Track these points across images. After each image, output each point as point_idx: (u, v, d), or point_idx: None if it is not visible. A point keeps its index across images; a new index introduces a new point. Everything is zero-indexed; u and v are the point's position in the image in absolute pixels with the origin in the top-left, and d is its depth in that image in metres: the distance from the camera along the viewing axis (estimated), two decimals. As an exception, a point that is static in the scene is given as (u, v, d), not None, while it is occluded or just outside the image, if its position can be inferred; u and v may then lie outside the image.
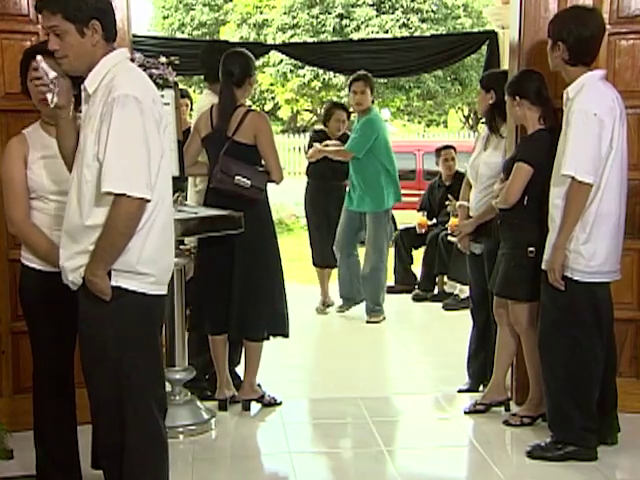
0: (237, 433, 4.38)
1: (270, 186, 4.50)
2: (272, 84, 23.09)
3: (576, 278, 3.83)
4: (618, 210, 3.85)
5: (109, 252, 2.71)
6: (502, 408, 4.57)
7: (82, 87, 2.80)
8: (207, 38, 23.80)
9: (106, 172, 2.64)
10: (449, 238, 7.32)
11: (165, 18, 27.25)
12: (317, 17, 22.22)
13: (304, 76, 21.61)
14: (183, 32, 26.45)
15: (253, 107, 4.87)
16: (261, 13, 23.60)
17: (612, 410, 4.06)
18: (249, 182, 4.34)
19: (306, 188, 7.49)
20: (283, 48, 8.96)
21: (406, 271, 8.19)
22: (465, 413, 4.59)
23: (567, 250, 3.81)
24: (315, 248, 7.47)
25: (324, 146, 6.94)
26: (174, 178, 4.44)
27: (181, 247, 4.35)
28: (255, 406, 4.65)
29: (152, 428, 2.90)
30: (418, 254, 8.14)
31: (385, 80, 19.81)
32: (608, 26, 4.28)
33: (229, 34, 23.86)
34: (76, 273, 2.79)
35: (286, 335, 4.65)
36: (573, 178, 3.72)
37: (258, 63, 21.70)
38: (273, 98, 24.34)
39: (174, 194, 4.42)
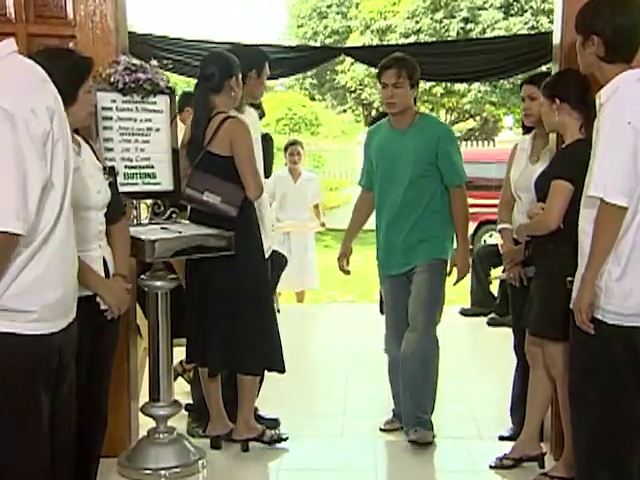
0: (225, 478, 3.93)
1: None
2: (393, 91, 22.62)
3: (608, 321, 3.16)
4: None
5: None
6: (536, 463, 3.94)
7: None
8: (339, 46, 23.44)
9: None
10: (494, 276, 6.70)
11: (299, 27, 27.22)
12: (441, 21, 21.58)
13: (425, 82, 21.04)
14: (316, 40, 26.30)
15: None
16: (385, 19, 23.13)
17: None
18: (219, 198, 3.88)
19: None
20: (353, 51, 8.43)
21: (484, 292, 7.52)
22: (490, 468, 3.98)
23: (597, 287, 3.13)
24: None
25: None
26: (169, 193, 4.09)
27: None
28: (258, 445, 4.16)
29: None
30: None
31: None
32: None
33: (354, 40, 23.53)
34: None
35: (281, 371, 4.12)
36: (602, 200, 3.05)
37: (372, 69, 21.09)
38: (397, 104, 23.85)
39: (166, 210, 4.06)
